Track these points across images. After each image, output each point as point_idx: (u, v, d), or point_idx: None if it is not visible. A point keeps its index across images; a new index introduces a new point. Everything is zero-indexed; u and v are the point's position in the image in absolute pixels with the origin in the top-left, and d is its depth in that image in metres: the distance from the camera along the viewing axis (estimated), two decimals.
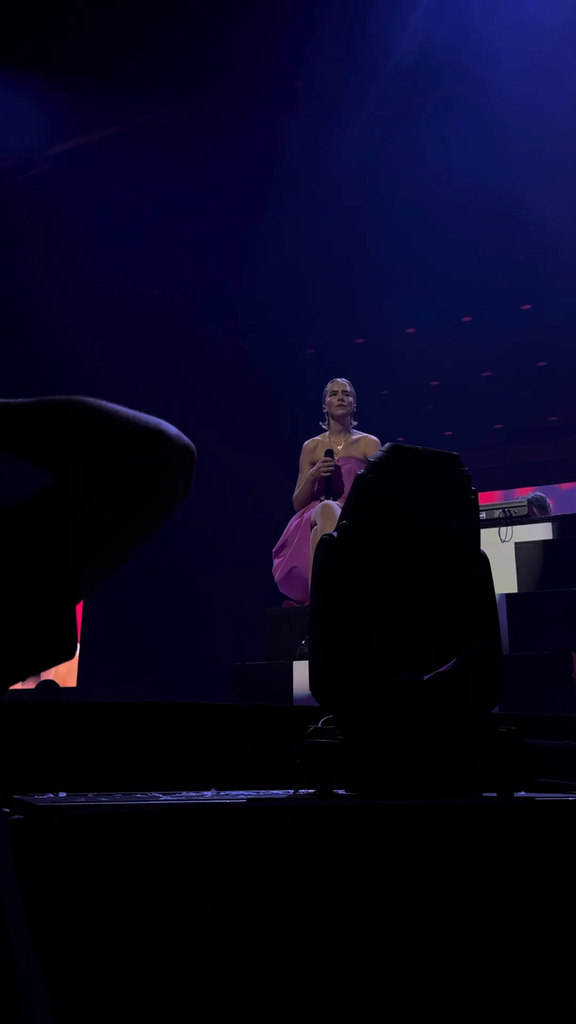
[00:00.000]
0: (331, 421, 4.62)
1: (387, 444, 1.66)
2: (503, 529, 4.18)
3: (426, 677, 1.65)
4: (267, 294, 7.24)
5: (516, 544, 4.06)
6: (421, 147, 6.15)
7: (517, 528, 4.19)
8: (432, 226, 6.62)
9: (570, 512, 4.96)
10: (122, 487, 0.85)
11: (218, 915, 1.21)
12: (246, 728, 1.83)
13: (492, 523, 4.22)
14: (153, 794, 1.51)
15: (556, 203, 6.08)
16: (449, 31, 5.67)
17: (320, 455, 4.51)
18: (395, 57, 5.83)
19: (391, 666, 1.61)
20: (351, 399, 4.61)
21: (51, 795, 1.41)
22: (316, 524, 4.09)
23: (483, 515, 4.10)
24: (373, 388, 7.49)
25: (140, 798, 1.41)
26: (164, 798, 1.41)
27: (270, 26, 5.75)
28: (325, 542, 1.62)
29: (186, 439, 0.90)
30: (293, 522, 4.47)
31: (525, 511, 4.40)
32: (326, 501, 4.21)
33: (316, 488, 4.45)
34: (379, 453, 1.65)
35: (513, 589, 3.91)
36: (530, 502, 4.49)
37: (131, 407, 0.85)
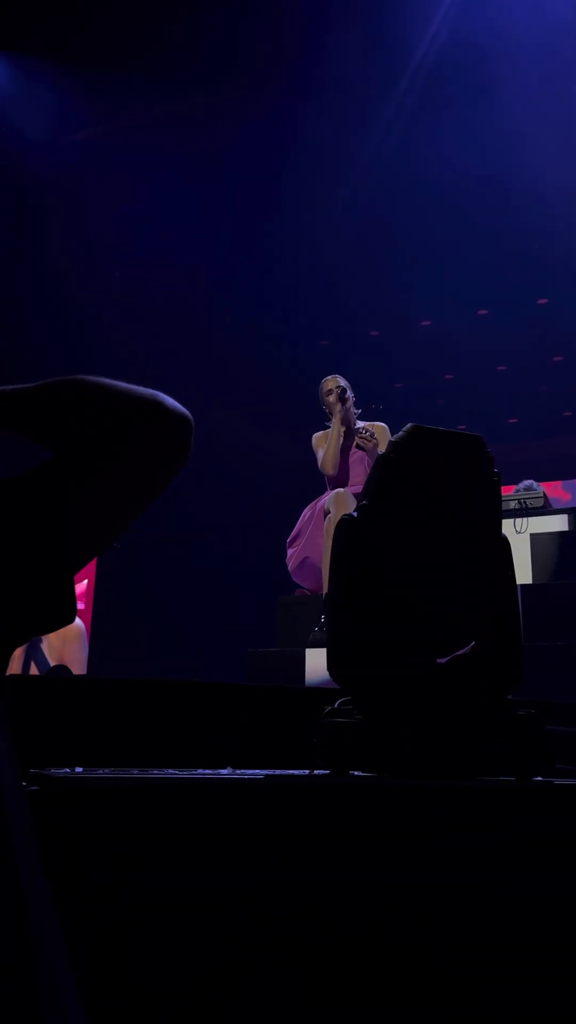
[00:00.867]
0: (335, 419, 4.52)
1: (409, 424, 1.65)
2: (518, 520, 4.16)
3: (444, 659, 1.64)
4: (285, 286, 7.23)
5: (532, 535, 4.05)
6: (439, 141, 6.11)
7: (533, 520, 4.17)
8: (449, 219, 6.59)
9: None
10: (123, 455, 0.86)
11: (232, 891, 1.21)
12: (261, 709, 1.82)
13: (508, 514, 4.20)
14: (169, 771, 1.51)
15: (575, 198, 6.05)
16: (473, 23, 5.64)
17: None
18: (420, 49, 5.81)
19: (409, 647, 1.59)
20: (349, 394, 4.52)
21: (67, 769, 1.40)
22: (330, 512, 4.08)
23: None
24: (387, 381, 7.46)
25: (156, 774, 1.40)
26: (180, 774, 1.41)
27: (294, 16, 5.73)
28: (345, 522, 1.61)
29: (183, 409, 0.89)
30: (306, 512, 4.46)
31: (541, 503, 4.38)
32: (339, 489, 4.21)
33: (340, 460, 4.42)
34: (401, 433, 1.64)
35: (528, 580, 3.90)
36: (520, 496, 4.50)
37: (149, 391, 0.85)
